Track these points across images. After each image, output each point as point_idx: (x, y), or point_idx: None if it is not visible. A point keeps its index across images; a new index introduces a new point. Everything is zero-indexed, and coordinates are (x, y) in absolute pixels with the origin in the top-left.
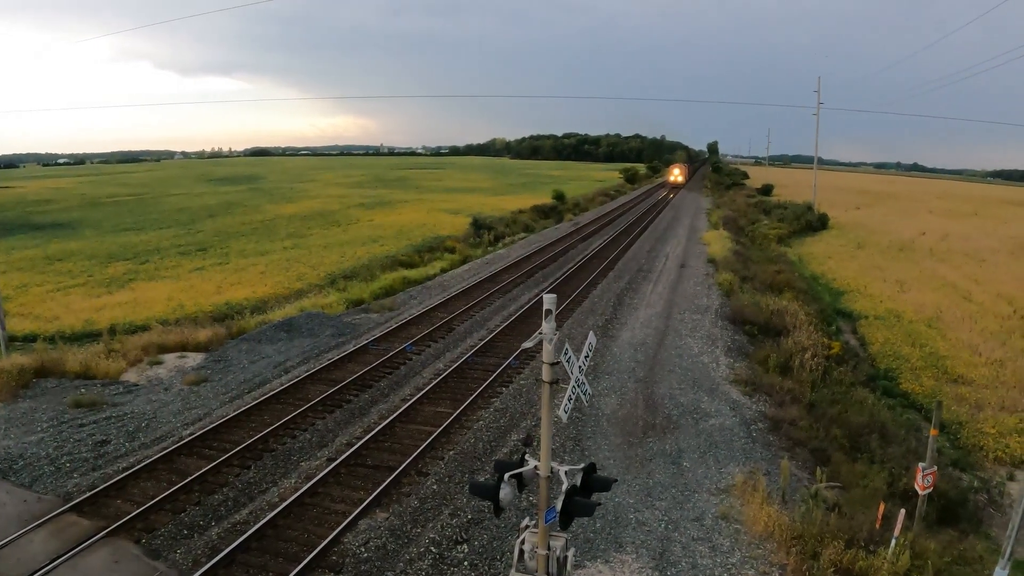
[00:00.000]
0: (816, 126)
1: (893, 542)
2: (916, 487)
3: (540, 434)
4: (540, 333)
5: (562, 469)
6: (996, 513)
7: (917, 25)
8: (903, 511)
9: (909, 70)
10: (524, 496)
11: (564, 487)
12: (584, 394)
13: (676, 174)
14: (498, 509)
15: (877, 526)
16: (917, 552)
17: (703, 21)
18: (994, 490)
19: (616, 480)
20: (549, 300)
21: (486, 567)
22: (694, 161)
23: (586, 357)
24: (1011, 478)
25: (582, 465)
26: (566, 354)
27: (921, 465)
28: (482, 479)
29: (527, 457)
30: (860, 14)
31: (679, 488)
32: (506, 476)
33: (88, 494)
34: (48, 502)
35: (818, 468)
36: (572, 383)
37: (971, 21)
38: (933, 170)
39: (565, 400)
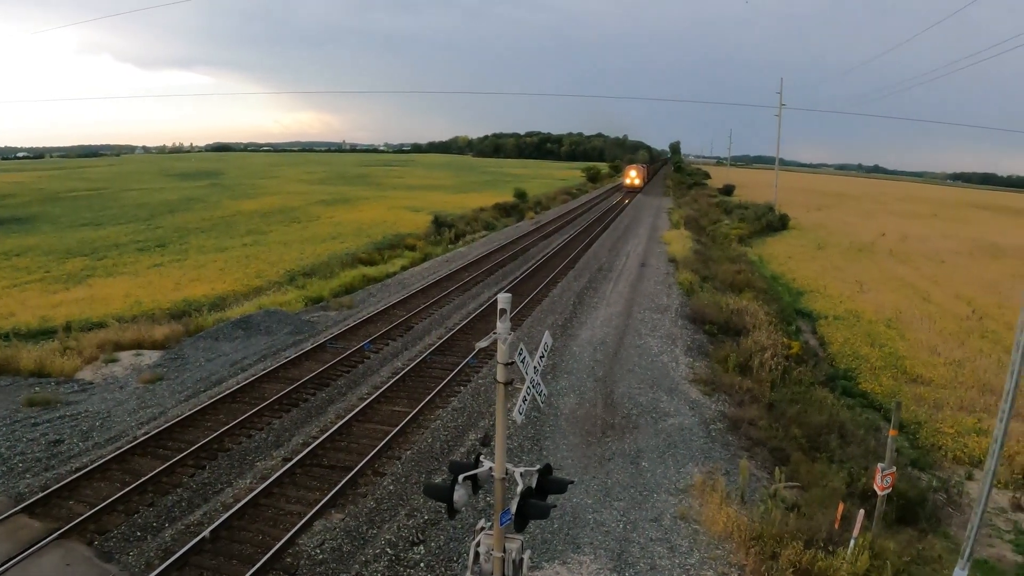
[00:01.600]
0: (778, 127)
1: (852, 542)
2: (875, 487)
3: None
4: (495, 333)
5: (517, 471)
6: (955, 513)
7: (880, 28)
8: (862, 511)
9: (871, 72)
10: (482, 497)
11: (519, 489)
12: (539, 394)
13: (633, 176)
14: (452, 511)
15: (836, 526)
16: (876, 552)
17: (667, 20)
18: (953, 490)
19: (572, 482)
20: (504, 300)
21: (443, 568)
22: (656, 161)
23: (541, 357)
24: (970, 477)
25: (537, 467)
26: (520, 354)
27: (880, 465)
28: (438, 480)
29: (482, 458)
30: (823, 16)
31: (638, 488)
32: (460, 478)
33: (40, 495)
34: None
35: (777, 468)
36: (527, 384)
37: (931, 26)
38: (894, 172)
39: (520, 401)
